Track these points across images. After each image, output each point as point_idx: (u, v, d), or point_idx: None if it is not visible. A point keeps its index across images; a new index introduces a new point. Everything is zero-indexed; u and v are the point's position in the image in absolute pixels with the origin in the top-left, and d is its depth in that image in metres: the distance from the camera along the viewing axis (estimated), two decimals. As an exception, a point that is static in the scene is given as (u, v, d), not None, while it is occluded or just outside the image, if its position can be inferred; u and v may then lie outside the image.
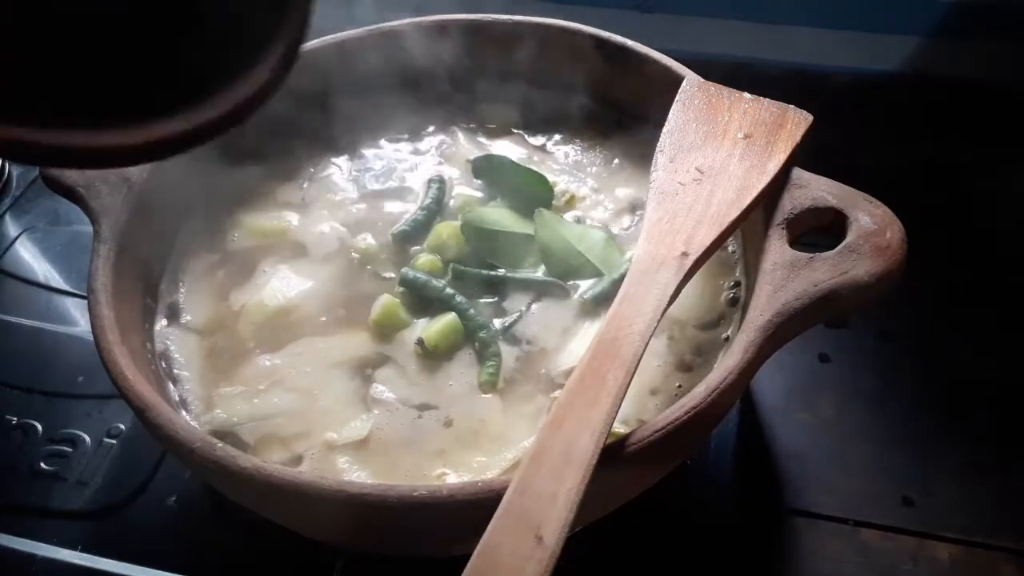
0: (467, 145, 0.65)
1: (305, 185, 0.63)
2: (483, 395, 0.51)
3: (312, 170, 0.64)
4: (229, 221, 0.61)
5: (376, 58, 0.66)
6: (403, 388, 0.51)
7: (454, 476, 0.47)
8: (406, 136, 0.67)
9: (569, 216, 0.60)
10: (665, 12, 0.82)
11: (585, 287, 0.55)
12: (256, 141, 0.64)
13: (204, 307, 0.57)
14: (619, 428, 0.46)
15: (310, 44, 0.64)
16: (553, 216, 0.58)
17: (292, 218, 0.61)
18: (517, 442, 0.48)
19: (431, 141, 0.66)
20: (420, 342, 0.52)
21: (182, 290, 0.57)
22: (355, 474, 0.47)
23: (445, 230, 0.58)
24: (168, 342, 0.55)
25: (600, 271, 0.56)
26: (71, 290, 0.72)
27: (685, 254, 0.46)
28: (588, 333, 0.53)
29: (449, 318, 0.53)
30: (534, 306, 0.55)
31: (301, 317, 0.55)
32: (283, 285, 0.57)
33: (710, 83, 0.56)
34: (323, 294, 0.57)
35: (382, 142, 0.66)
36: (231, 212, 0.62)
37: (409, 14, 0.66)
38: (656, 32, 0.82)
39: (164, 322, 0.56)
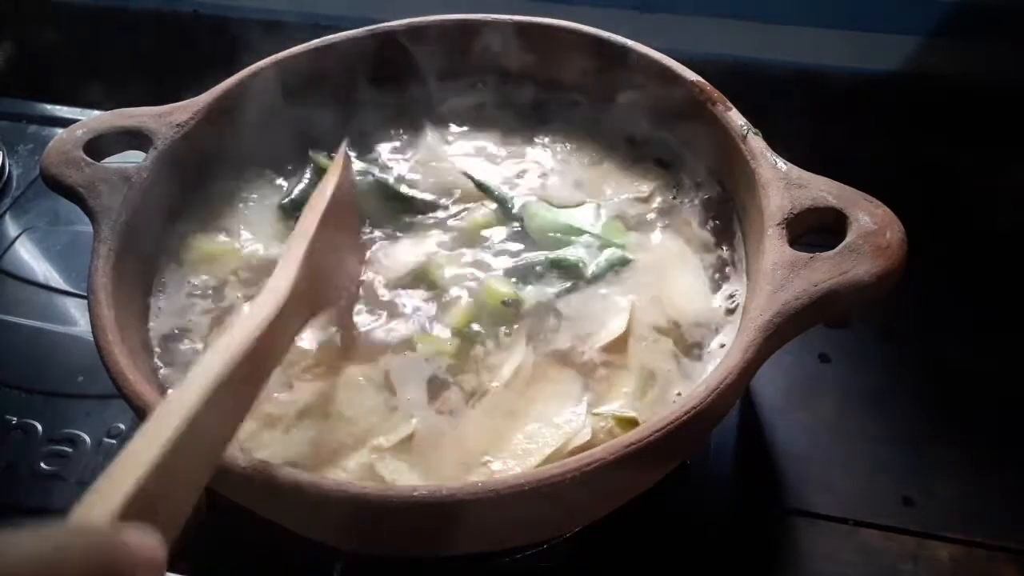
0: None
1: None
2: (516, 378, 0.50)
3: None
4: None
5: (373, 59, 0.66)
6: (435, 382, 0.50)
7: (500, 464, 0.46)
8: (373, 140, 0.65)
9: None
10: (665, 12, 0.82)
11: (600, 258, 0.55)
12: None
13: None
14: (627, 412, 0.47)
15: (306, 45, 0.64)
16: (539, 204, 0.59)
17: (236, 243, 0.58)
18: (558, 427, 0.47)
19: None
20: (508, 303, 0.52)
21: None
22: (404, 475, 0.46)
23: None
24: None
25: (604, 238, 0.56)
26: (71, 290, 0.72)
27: None
28: (619, 305, 0.53)
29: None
30: (563, 285, 0.54)
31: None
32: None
33: None
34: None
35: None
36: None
37: (409, 14, 0.66)
38: (656, 32, 0.82)
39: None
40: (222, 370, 0.35)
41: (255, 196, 0.61)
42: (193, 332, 0.54)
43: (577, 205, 0.59)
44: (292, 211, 0.59)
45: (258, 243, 0.58)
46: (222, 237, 0.59)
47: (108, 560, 0.26)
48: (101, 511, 0.28)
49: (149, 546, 0.27)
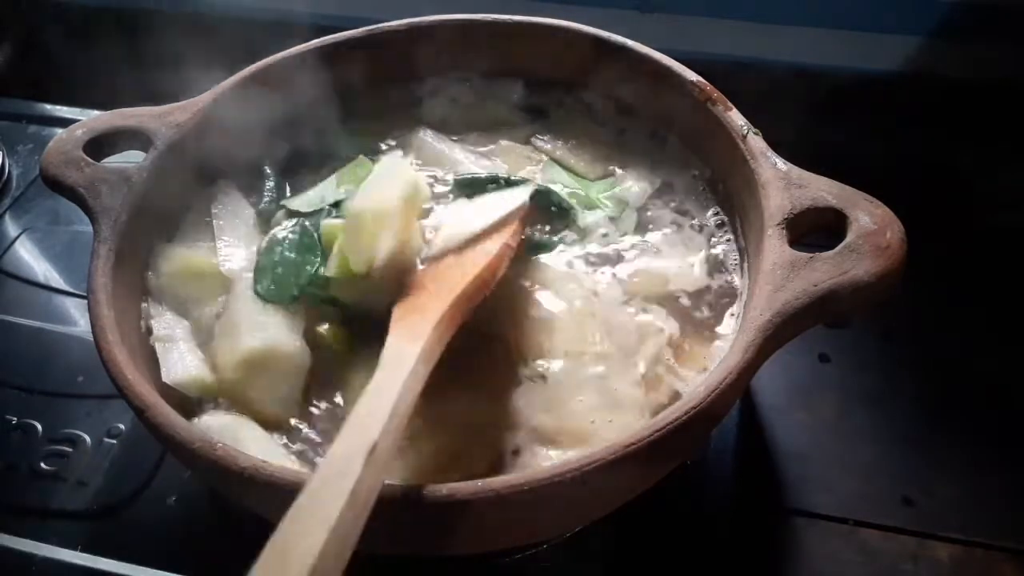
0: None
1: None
2: None
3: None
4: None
5: (373, 59, 0.66)
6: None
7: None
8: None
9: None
10: (665, 12, 0.82)
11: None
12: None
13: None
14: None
15: (305, 44, 0.64)
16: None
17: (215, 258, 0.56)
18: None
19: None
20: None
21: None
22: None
23: None
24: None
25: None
26: (71, 290, 0.72)
27: None
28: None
29: None
30: None
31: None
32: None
33: None
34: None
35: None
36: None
37: (408, 15, 0.66)
38: (656, 32, 0.82)
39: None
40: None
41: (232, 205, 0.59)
42: (179, 341, 0.53)
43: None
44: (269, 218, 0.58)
45: (237, 257, 0.56)
46: (202, 250, 0.56)
47: None
48: None
49: None
